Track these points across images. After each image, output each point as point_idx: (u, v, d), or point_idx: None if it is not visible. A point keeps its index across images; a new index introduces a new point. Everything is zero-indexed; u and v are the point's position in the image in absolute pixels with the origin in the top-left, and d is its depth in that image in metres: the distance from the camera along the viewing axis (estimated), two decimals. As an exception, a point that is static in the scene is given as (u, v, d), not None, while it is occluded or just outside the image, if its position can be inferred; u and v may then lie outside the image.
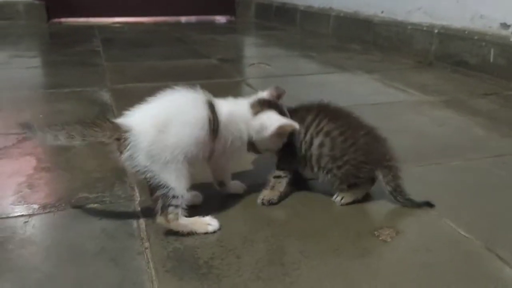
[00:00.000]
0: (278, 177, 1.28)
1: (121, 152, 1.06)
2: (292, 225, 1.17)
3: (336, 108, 1.30)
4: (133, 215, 1.20)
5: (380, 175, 1.23)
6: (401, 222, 1.19)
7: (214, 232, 1.12)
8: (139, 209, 1.23)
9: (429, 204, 1.23)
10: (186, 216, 1.10)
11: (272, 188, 1.28)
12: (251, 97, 1.26)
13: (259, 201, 1.27)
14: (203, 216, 1.14)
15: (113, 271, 0.98)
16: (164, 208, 1.07)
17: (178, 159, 1.07)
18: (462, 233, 1.13)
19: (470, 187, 1.39)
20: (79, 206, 1.24)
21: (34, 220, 1.17)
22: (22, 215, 1.19)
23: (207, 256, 1.03)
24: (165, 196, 1.07)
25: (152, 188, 1.09)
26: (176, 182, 1.07)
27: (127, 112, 1.11)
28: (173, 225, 1.08)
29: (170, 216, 1.07)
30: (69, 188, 1.34)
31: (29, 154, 1.57)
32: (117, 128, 1.06)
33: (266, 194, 1.27)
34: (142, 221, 1.16)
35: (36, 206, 1.24)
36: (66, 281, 0.95)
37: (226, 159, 1.22)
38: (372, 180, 1.27)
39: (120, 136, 1.05)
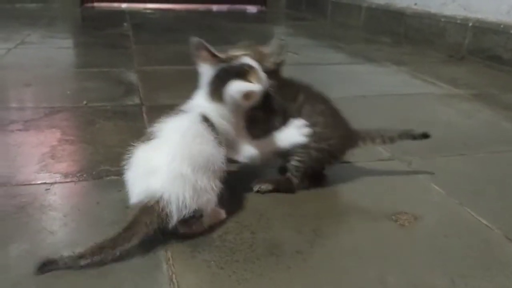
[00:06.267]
0: None
1: (163, 222, 0.96)
2: (308, 206, 1.16)
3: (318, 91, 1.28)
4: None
5: (370, 143, 1.27)
6: (421, 208, 1.17)
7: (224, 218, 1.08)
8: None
9: (425, 135, 1.28)
10: None
11: None
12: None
13: None
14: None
15: (128, 239, 0.99)
16: (187, 220, 0.99)
17: (208, 190, 1.00)
18: (483, 221, 1.10)
19: (494, 178, 1.36)
20: (99, 178, 1.26)
21: (55, 188, 1.19)
22: (44, 183, 1.22)
23: (222, 231, 1.04)
24: (194, 216, 0.99)
25: None
26: (208, 208, 1.01)
27: (143, 182, 0.98)
28: (198, 231, 1.02)
29: (194, 226, 1.01)
30: (91, 161, 1.36)
31: (55, 127, 1.61)
32: (152, 208, 0.95)
33: None
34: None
35: (58, 175, 1.26)
36: (81, 246, 0.95)
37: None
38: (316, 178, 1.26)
39: (158, 213, 0.95)
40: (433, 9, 3.47)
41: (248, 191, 1.21)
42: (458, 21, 3.14)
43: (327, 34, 4.18)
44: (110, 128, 1.62)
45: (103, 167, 1.32)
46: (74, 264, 0.88)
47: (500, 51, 2.79)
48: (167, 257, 0.94)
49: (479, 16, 3.01)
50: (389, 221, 1.10)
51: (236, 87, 1.06)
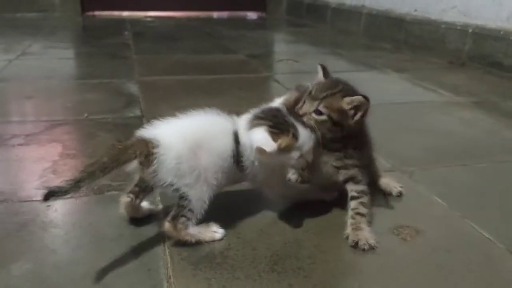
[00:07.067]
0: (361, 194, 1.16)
1: (144, 166, 1.00)
2: (309, 220, 1.16)
3: None
4: (152, 204, 1.21)
5: None
6: (423, 221, 1.16)
7: (222, 239, 1.06)
8: (158, 198, 1.24)
9: None
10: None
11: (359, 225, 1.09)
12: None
13: (352, 243, 1.05)
14: (208, 223, 1.07)
15: (129, 257, 0.99)
16: (176, 217, 1.02)
17: (205, 181, 1.02)
18: (485, 235, 1.10)
19: (497, 189, 1.35)
20: (100, 193, 1.27)
21: (56, 205, 1.19)
22: (45, 199, 1.22)
23: (223, 247, 1.03)
24: (181, 206, 1.02)
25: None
26: (198, 200, 1.02)
27: (154, 123, 1.06)
28: (181, 235, 1.02)
29: (179, 226, 1.02)
30: (92, 175, 1.36)
31: (56, 141, 1.61)
32: (147, 144, 1.00)
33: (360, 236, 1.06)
34: (161, 210, 1.17)
35: (59, 191, 1.26)
36: (83, 264, 0.97)
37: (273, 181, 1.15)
38: None
39: (148, 153, 0.99)
40: (433, 16, 3.47)
41: (249, 206, 1.21)
42: (458, 28, 3.15)
43: (328, 41, 4.18)
44: (111, 141, 1.62)
45: (104, 182, 1.32)
46: (72, 189, 0.94)
47: (500, 57, 2.79)
48: (168, 275, 0.94)
49: (479, 22, 3.01)
50: (391, 235, 1.10)
51: (254, 135, 1.04)
